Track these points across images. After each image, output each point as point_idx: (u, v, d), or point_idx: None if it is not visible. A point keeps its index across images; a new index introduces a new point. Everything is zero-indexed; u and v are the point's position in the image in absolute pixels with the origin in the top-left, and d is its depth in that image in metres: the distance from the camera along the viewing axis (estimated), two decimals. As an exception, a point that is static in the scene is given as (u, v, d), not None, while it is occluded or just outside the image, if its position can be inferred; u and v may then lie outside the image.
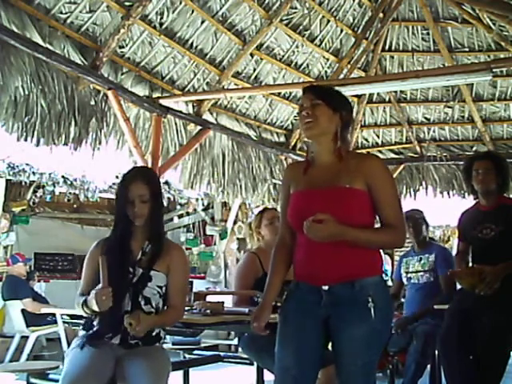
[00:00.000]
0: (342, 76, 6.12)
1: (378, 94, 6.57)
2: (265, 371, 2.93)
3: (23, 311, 5.95)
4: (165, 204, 2.59)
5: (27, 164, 7.17)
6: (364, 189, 1.98)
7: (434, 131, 6.93)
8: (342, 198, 1.97)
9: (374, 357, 2.00)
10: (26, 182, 7.55)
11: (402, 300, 4.30)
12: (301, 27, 5.67)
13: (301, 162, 2.23)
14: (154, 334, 2.33)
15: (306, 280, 2.01)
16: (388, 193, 2.02)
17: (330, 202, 1.95)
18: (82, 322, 2.45)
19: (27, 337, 5.99)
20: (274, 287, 2.11)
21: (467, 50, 6.04)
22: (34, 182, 7.65)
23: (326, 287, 1.96)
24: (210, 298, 3.01)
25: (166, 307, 2.40)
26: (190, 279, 6.35)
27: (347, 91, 4.78)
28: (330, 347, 2.08)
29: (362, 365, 1.93)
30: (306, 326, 1.99)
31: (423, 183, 7.12)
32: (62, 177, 7.57)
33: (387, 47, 6.34)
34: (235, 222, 9.19)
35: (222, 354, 4.04)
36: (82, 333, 2.35)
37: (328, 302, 1.95)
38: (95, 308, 2.17)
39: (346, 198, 1.97)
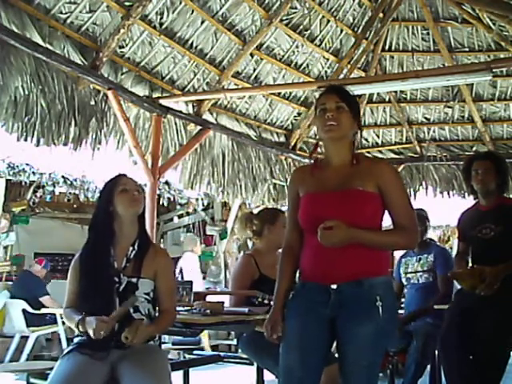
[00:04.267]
0: (342, 76, 6.12)
1: (378, 93, 6.57)
2: (265, 371, 2.93)
3: (24, 311, 5.95)
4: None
5: (27, 164, 7.17)
6: (376, 191, 2.00)
7: (434, 131, 6.93)
8: (355, 200, 1.98)
9: (378, 357, 2.00)
10: (26, 182, 7.56)
11: (402, 300, 4.30)
12: (301, 27, 5.67)
13: (308, 166, 2.23)
14: None
15: (314, 280, 2.01)
16: (400, 195, 2.04)
17: (344, 204, 1.96)
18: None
19: (27, 337, 6.00)
20: (283, 293, 2.10)
21: (467, 49, 6.04)
22: (33, 182, 7.66)
23: (334, 286, 1.96)
24: (209, 298, 3.01)
25: (158, 311, 2.39)
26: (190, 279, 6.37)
27: (347, 91, 4.78)
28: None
29: (367, 365, 1.93)
30: (311, 325, 1.99)
31: (423, 183, 7.13)
32: (62, 177, 7.57)
33: (387, 47, 6.34)
34: (235, 222, 9.19)
35: (221, 353, 4.03)
36: (76, 339, 2.32)
37: (336, 302, 1.96)
38: (90, 333, 2.14)
39: (359, 199, 1.98)
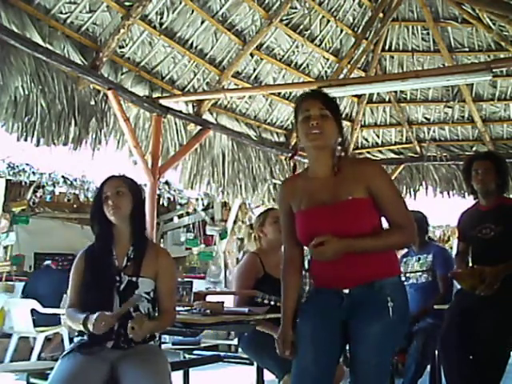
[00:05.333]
0: (342, 76, 6.12)
1: (377, 93, 6.57)
2: (265, 371, 2.93)
3: (32, 311, 5.88)
4: (143, 203, 2.54)
5: (27, 164, 7.18)
6: (366, 196, 1.98)
7: (434, 131, 6.93)
8: (348, 211, 1.97)
9: (389, 356, 2.02)
10: (26, 182, 7.57)
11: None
12: (301, 27, 5.67)
13: (294, 177, 2.19)
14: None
15: (327, 286, 2.03)
16: (390, 194, 2.02)
17: (338, 217, 1.95)
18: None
19: (27, 337, 5.97)
20: (291, 309, 2.10)
21: (467, 49, 6.04)
22: (33, 181, 7.66)
23: (346, 291, 1.97)
24: (209, 298, 3.01)
25: (157, 311, 2.40)
26: (190, 279, 6.37)
27: (347, 91, 4.79)
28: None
29: (377, 364, 1.94)
30: (324, 327, 2.00)
31: (423, 183, 7.12)
32: (62, 177, 7.58)
33: (387, 47, 6.34)
34: (235, 222, 9.20)
35: (221, 353, 4.03)
36: (76, 339, 2.33)
37: (348, 304, 1.97)
38: (90, 327, 2.16)
39: (352, 209, 1.97)
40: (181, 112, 5.19)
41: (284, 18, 5.47)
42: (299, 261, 2.12)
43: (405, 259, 4.13)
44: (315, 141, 2.00)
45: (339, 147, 2.08)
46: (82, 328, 2.22)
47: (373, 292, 1.94)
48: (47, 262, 6.94)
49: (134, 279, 2.32)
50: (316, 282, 2.09)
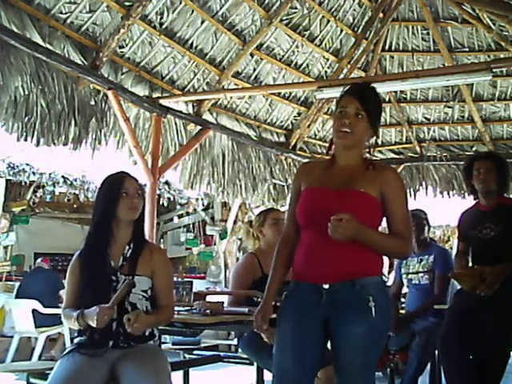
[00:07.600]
0: (341, 76, 6.12)
1: (377, 93, 6.56)
2: (265, 371, 2.93)
3: (33, 311, 5.87)
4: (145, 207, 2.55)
5: (27, 164, 7.18)
6: (377, 196, 2.00)
7: (434, 131, 6.93)
8: (355, 200, 1.98)
9: (374, 357, 1.99)
10: (25, 182, 7.57)
11: (402, 300, 4.31)
12: (301, 27, 5.67)
13: (316, 162, 2.26)
14: (147, 332, 2.32)
15: (306, 279, 2.01)
16: (401, 203, 2.04)
17: (343, 202, 1.95)
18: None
19: (28, 337, 5.96)
20: (275, 284, 2.11)
21: (467, 50, 6.03)
22: (33, 182, 7.66)
23: (326, 286, 1.95)
24: (210, 298, 3.01)
25: (156, 308, 2.40)
26: (190, 279, 6.37)
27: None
28: (329, 347, 2.07)
29: (361, 365, 1.93)
30: (304, 326, 1.99)
31: (423, 183, 7.13)
32: (62, 177, 7.58)
33: (387, 47, 6.34)
34: (235, 222, 9.20)
35: (221, 354, 4.03)
36: (76, 339, 2.33)
37: (328, 301, 1.95)
38: (92, 323, 2.15)
39: (359, 200, 1.98)
40: (181, 112, 5.19)
41: (284, 17, 5.47)
42: (295, 240, 2.10)
43: (405, 260, 4.12)
44: (344, 139, 2.04)
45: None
46: (77, 325, 2.23)
47: (354, 290, 1.93)
48: (39, 261, 6.89)
49: (130, 278, 2.32)
50: (296, 273, 2.07)
